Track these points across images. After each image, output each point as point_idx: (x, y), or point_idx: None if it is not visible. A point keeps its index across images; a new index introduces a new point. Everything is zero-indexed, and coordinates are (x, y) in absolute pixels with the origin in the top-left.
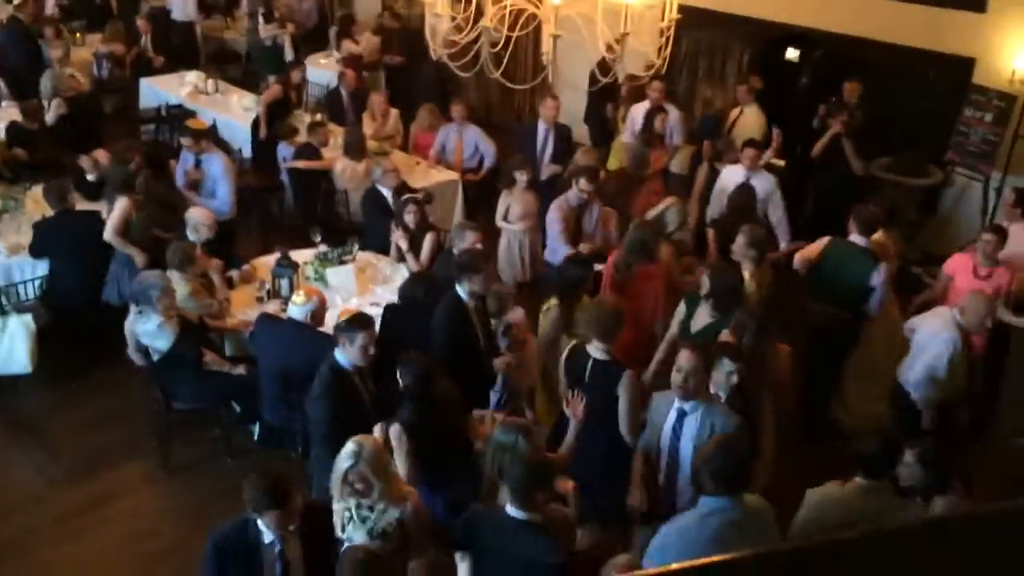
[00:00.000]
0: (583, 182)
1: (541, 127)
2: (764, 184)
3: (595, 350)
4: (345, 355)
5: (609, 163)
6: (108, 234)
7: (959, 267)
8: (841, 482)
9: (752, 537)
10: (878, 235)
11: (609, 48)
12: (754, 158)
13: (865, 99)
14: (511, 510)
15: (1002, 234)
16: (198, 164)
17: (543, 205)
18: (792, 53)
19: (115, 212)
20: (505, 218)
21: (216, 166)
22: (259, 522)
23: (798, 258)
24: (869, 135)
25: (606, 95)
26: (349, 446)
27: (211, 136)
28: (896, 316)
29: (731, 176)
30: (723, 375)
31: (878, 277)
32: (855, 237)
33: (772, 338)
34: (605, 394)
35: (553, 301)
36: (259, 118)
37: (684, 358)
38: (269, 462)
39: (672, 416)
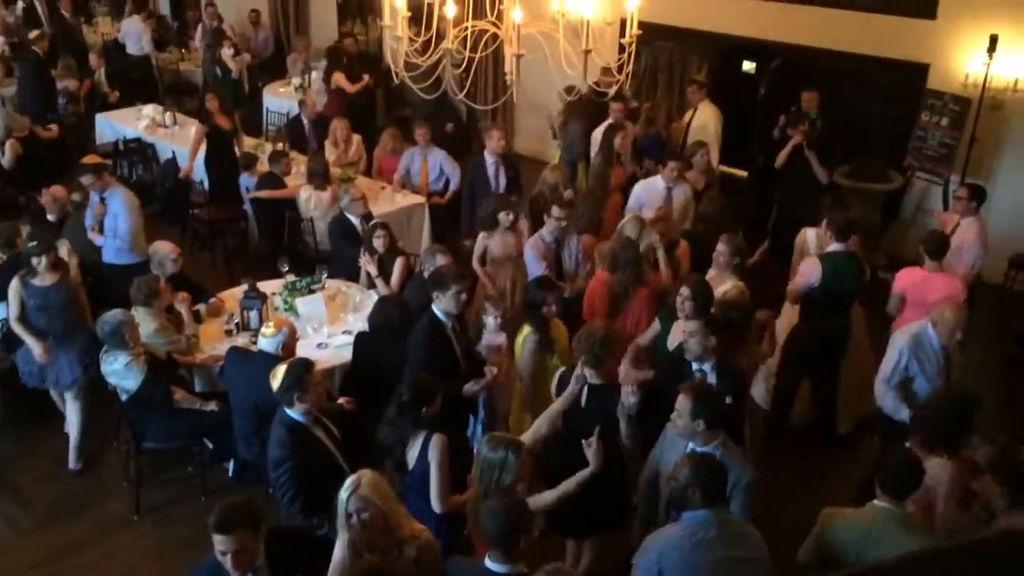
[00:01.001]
0: (556, 210)
1: (489, 159)
2: (681, 195)
3: (589, 375)
4: (301, 407)
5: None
6: (11, 323)
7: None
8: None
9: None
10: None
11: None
12: (679, 170)
13: (824, 107)
14: (492, 564)
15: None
16: (102, 200)
17: None
18: (748, 65)
19: (11, 298)
20: (482, 261)
21: (117, 202)
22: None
23: (793, 288)
24: (829, 143)
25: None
26: (344, 491)
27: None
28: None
29: (651, 187)
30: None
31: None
32: (834, 245)
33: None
34: (598, 418)
35: (527, 328)
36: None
37: (680, 401)
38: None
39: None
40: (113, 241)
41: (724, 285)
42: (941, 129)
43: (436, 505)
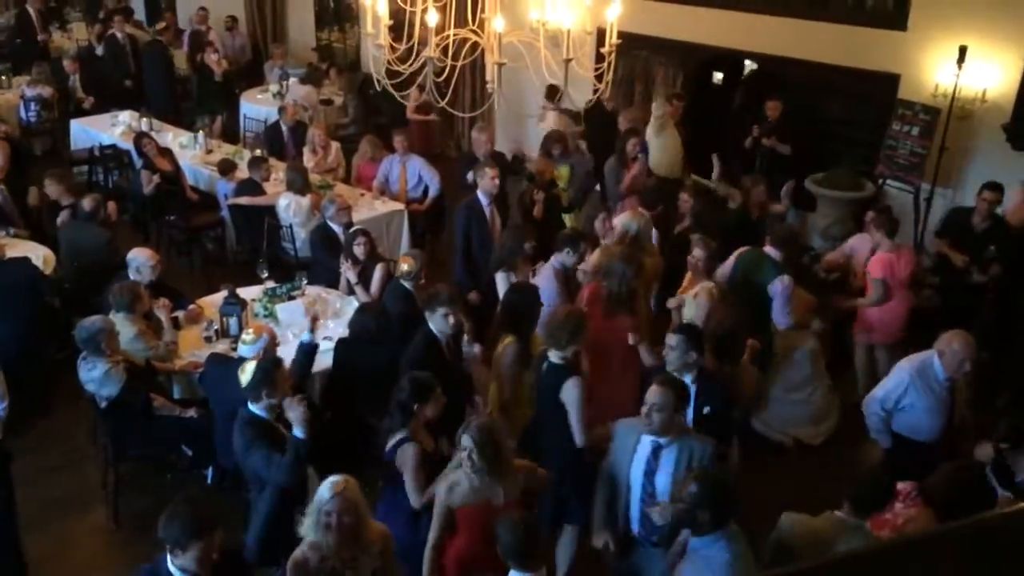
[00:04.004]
0: (573, 256)
1: (484, 200)
2: None
3: (552, 354)
4: (270, 401)
5: None
6: None
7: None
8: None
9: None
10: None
11: None
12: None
13: (797, 116)
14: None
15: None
16: None
17: None
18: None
19: None
20: None
21: None
22: (171, 565)
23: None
24: (804, 151)
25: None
26: (327, 488)
27: None
28: (795, 343)
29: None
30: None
31: (779, 286)
32: (769, 249)
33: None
34: (552, 398)
35: (509, 338)
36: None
37: (652, 393)
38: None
39: (647, 449)
40: None
41: (693, 291)
42: (912, 138)
43: (413, 501)
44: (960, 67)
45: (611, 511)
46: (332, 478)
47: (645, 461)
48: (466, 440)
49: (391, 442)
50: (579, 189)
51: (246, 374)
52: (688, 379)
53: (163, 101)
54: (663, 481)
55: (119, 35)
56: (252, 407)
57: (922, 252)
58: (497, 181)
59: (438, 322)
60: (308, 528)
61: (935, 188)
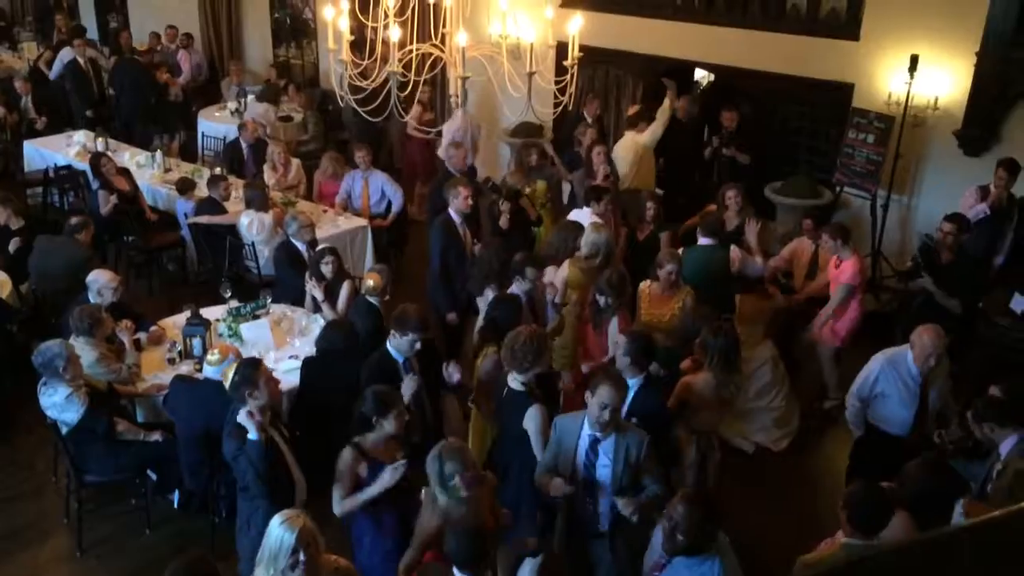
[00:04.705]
0: (530, 271)
1: (456, 220)
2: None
3: (511, 378)
4: (256, 403)
5: None
6: None
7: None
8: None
9: None
10: None
11: None
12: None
13: (753, 126)
14: None
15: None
16: None
17: None
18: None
19: None
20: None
21: None
22: None
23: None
24: (761, 160)
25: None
26: (282, 528)
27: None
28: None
29: (578, 217)
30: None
31: (735, 255)
32: (705, 240)
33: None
34: (514, 424)
35: (491, 348)
36: None
37: (605, 393)
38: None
39: (584, 443)
40: None
41: (675, 300)
42: (867, 146)
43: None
44: (912, 75)
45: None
46: (280, 516)
47: (584, 454)
48: (452, 467)
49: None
50: (556, 201)
51: (228, 377)
52: (633, 383)
53: (137, 118)
54: (603, 473)
55: (81, 60)
56: (239, 413)
57: (880, 256)
58: (470, 201)
59: (403, 345)
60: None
61: (891, 194)
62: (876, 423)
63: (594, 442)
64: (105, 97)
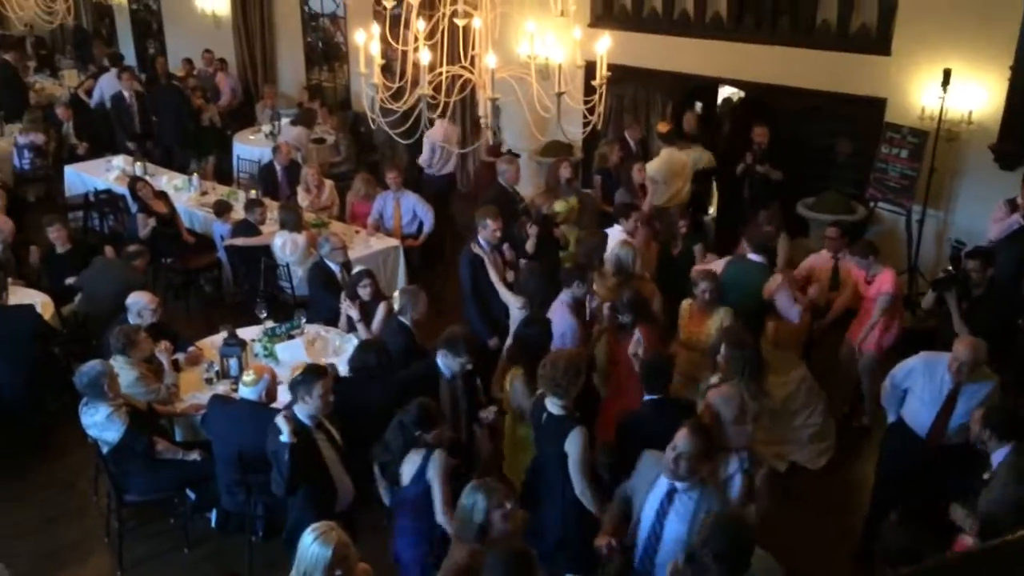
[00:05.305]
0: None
1: (486, 248)
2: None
3: (550, 403)
4: (305, 408)
5: None
6: None
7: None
8: None
9: None
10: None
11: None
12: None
13: (785, 143)
14: None
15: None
16: None
17: None
18: (698, 105)
19: None
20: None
21: None
22: None
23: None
24: (793, 176)
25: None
26: (317, 543)
27: None
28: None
29: (613, 236)
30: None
31: (774, 284)
32: (753, 256)
33: None
34: (555, 448)
35: (518, 370)
36: None
37: (680, 438)
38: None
39: (662, 490)
40: None
41: (714, 319)
42: (901, 161)
43: (441, 519)
44: (945, 90)
45: (619, 525)
46: (313, 530)
47: (659, 501)
48: (487, 503)
49: (409, 470)
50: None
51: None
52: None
53: (178, 142)
54: (673, 528)
55: (127, 94)
56: (295, 408)
57: (916, 272)
58: (499, 233)
59: (452, 365)
60: None
61: (926, 209)
62: (903, 416)
63: (671, 492)
64: (148, 129)
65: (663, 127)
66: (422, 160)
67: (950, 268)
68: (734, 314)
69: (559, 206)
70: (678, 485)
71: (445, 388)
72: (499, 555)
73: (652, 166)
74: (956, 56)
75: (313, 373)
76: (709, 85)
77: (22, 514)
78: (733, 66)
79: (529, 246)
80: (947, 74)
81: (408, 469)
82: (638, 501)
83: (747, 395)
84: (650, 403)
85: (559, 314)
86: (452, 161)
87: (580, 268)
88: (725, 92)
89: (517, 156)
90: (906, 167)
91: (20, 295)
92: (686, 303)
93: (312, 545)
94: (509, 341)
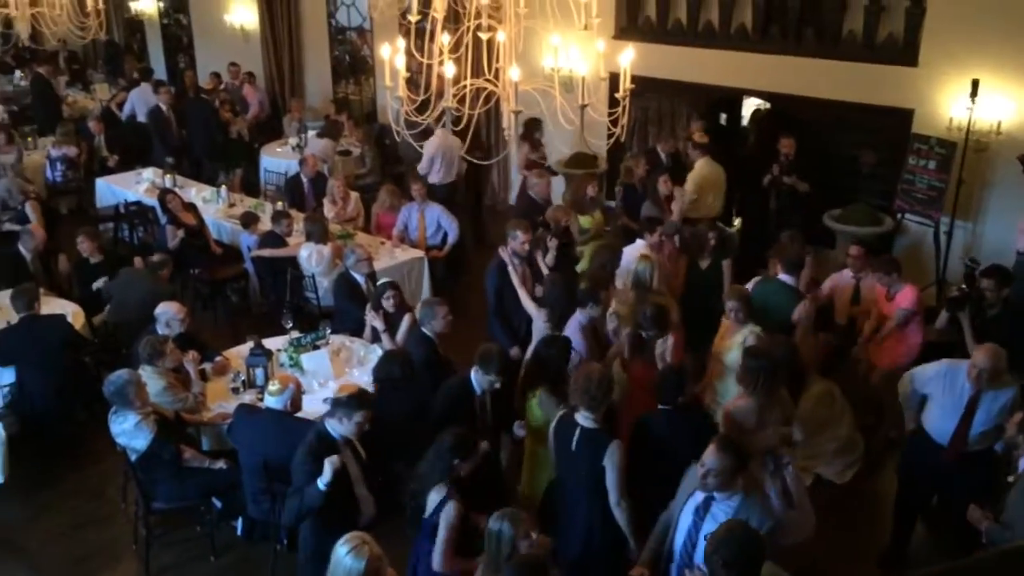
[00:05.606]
0: (596, 308)
1: (515, 260)
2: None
3: (583, 418)
4: (339, 428)
5: None
6: None
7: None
8: None
9: None
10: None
11: None
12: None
13: (811, 154)
14: None
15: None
16: None
17: None
18: (723, 117)
19: None
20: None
21: None
22: None
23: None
24: (820, 188)
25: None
26: (349, 556)
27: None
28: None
29: (632, 252)
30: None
31: (803, 311)
32: (784, 276)
33: None
34: (592, 464)
35: (540, 391)
36: None
37: (708, 456)
38: None
39: (696, 501)
40: None
41: (738, 336)
42: (929, 172)
43: (437, 559)
44: (973, 100)
45: (659, 552)
46: (346, 543)
47: (694, 511)
48: (514, 532)
49: (433, 501)
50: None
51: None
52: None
53: (207, 154)
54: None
55: (164, 108)
56: (327, 421)
57: (945, 284)
58: (527, 246)
59: (483, 382)
60: None
61: (955, 221)
62: (923, 424)
63: (708, 499)
64: (184, 141)
65: (701, 137)
66: (420, 168)
67: (963, 287)
68: (760, 334)
69: (585, 221)
70: (716, 494)
71: (476, 404)
72: (514, 565)
73: (691, 177)
74: (984, 66)
75: (358, 401)
76: (734, 97)
77: (51, 521)
78: (758, 77)
79: (549, 259)
80: (975, 84)
81: (432, 499)
82: (676, 513)
83: (764, 404)
84: (661, 412)
85: (572, 334)
86: (454, 170)
87: (593, 289)
88: (753, 104)
89: (553, 172)
90: (934, 178)
91: (52, 305)
92: (725, 319)
93: (345, 558)
94: (527, 358)
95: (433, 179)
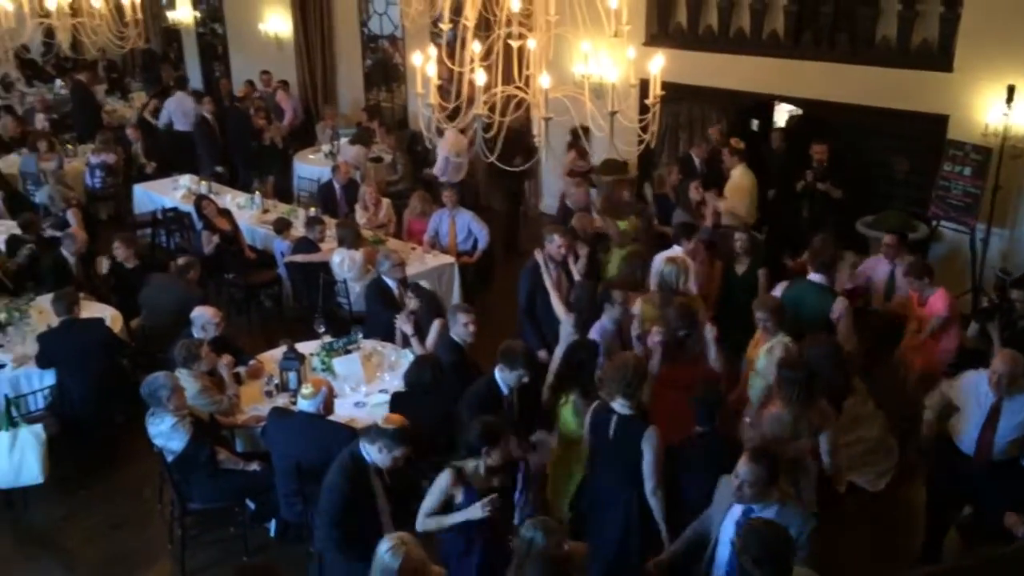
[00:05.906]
0: (618, 294)
1: (551, 266)
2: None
3: (619, 406)
4: (376, 456)
5: None
6: None
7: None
8: None
9: None
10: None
11: None
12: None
13: (845, 159)
14: None
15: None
16: None
17: None
18: (754, 123)
19: None
20: None
21: None
22: None
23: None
24: (853, 194)
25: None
26: (388, 555)
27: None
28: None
29: (662, 257)
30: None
31: (841, 308)
32: (815, 276)
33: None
34: (629, 451)
35: (572, 395)
36: None
37: (742, 466)
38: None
39: (736, 514)
40: None
41: (765, 345)
42: (964, 178)
43: (418, 522)
44: (1009, 106)
45: (686, 555)
46: (387, 544)
47: (735, 523)
48: (546, 540)
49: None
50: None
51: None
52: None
53: (242, 162)
54: None
55: (208, 116)
56: (363, 444)
57: (981, 291)
58: (563, 250)
59: (510, 379)
60: None
61: (991, 228)
62: (951, 436)
63: (748, 511)
64: (228, 150)
65: (738, 143)
66: (436, 170)
67: (994, 297)
68: (789, 344)
69: (621, 225)
70: (754, 506)
71: (504, 404)
72: (535, 560)
73: (729, 187)
74: (1020, 72)
75: (402, 437)
76: (765, 102)
77: (89, 521)
78: (790, 83)
79: (580, 267)
80: (1011, 90)
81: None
82: (715, 528)
83: (799, 415)
84: (697, 436)
85: (598, 336)
86: (463, 170)
87: (607, 290)
88: (786, 110)
89: (592, 184)
90: (969, 185)
91: (91, 309)
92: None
93: (384, 555)
94: (554, 364)
95: (441, 179)
